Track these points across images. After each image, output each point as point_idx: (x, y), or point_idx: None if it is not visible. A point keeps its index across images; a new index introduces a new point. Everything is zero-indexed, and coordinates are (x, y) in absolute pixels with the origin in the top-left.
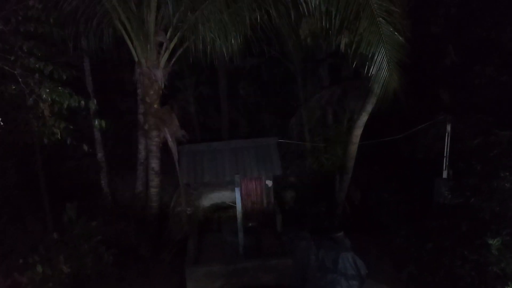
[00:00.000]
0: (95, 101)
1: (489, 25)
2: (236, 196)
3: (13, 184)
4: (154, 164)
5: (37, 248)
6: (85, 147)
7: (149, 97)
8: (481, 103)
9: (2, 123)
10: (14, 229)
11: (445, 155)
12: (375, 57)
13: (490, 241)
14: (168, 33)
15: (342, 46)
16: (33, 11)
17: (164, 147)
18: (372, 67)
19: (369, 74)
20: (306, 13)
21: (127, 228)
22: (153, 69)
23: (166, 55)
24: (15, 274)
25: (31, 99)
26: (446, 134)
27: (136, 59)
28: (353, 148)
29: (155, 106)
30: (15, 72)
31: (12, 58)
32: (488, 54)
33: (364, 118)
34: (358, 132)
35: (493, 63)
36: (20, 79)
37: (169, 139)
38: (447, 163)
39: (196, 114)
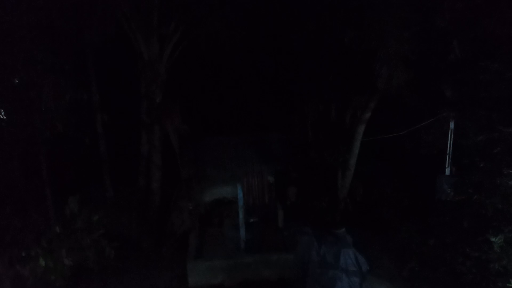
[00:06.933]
0: (97, 95)
1: (496, 19)
2: (238, 191)
3: (16, 176)
4: (156, 158)
5: (39, 240)
6: (87, 140)
7: (152, 91)
8: (485, 99)
9: (4, 117)
10: (16, 221)
11: (448, 151)
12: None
13: (492, 238)
14: (172, 26)
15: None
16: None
17: (166, 141)
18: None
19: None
20: None
21: (129, 221)
22: (156, 63)
23: (169, 49)
24: (17, 266)
25: (33, 91)
26: (449, 130)
27: (138, 52)
28: (356, 144)
29: (158, 100)
30: (18, 63)
31: (15, 49)
32: (494, 50)
33: (367, 114)
34: (361, 128)
35: (499, 59)
36: (22, 71)
37: (171, 133)
38: (450, 160)
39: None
